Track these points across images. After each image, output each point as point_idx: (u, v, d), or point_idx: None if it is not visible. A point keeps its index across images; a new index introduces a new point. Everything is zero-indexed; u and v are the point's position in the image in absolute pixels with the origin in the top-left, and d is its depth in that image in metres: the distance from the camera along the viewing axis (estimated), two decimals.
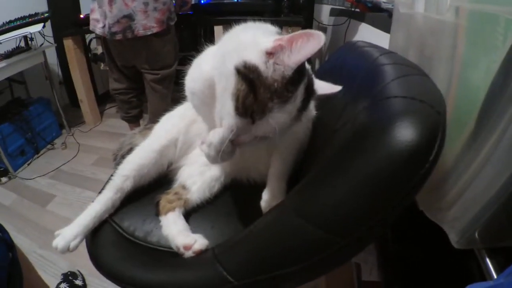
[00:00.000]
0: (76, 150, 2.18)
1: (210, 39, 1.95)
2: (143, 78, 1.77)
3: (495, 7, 0.52)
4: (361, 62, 0.69)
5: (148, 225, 0.73)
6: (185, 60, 2.30)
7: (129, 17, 1.51)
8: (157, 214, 0.73)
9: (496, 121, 0.53)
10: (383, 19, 1.39)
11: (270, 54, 0.51)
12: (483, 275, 0.56)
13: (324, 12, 2.28)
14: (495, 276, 0.51)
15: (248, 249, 0.54)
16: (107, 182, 0.77)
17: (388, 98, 0.48)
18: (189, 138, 0.83)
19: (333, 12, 2.13)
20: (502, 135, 0.52)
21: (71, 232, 0.68)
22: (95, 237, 0.72)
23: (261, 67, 0.51)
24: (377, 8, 1.48)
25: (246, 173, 0.80)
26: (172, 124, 0.84)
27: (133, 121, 1.96)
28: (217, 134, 0.54)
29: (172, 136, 0.82)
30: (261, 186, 0.70)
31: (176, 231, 0.67)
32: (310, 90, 0.56)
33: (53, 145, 2.26)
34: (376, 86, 0.55)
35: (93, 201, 0.74)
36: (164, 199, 0.74)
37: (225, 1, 1.90)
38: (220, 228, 0.72)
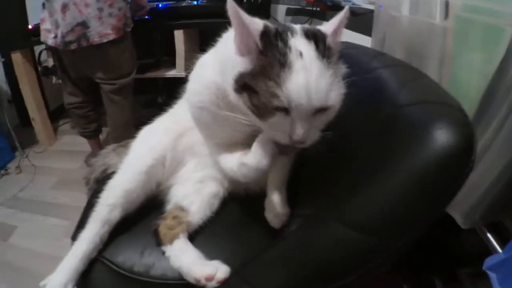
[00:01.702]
0: (33, 174, 1.92)
1: (169, 45, 1.85)
2: (100, 89, 1.61)
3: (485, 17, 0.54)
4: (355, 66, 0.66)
5: (147, 257, 0.63)
6: (143, 68, 2.14)
7: (84, 25, 1.36)
8: (159, 244, 0.63)
9: (492, 115, 0.55)
10: None
11: (241, 53, 0.46)
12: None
13: (280, 12, 2.25)
14: (498, 247, 0.54)
15: (287, 269, 0.48)
16: (84, 213, 0.66)
17: (416, 104, 0.47)
18: (178, 154, 0.74)
19: (289, 12, 2.11)
20: (499, 128, 0.55)
21: (59, 280, 0.58)
22: (88, 281, 0.62)
23: (242, 68, 0.46)
24: (338, 7, 1.47)
25: (244, 185, 0.73)
26: (157, 140, 0.74)
27: (92, 136, 1.79)
28: (262, 146, 0.51)
29: (158, 154, 0.72)
30: (260, 196, 0.65)
31: (190, 261, 0.59)
32: (315, 34, 0.47)
33: (6, 170, 1.97)
34: (388, 91, 0.53)
35: (75, 241, 0.63)
36: (164, 226, 0.65)
37: (184, 4, 1.79)
38: (230, 248, 0.65)
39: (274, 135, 0.49)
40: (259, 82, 0.44)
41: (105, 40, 1.41)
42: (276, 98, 0.43)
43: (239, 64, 0.47)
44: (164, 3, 1.80)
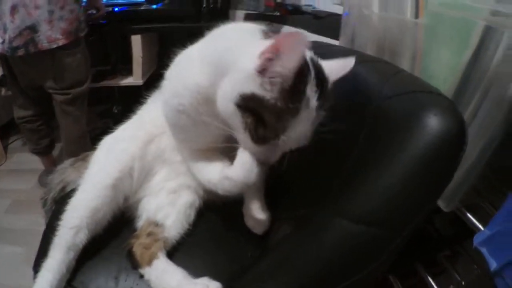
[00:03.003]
0: None
1: (126, 51, 1.73)
2: (53, 100, 1.46)
3: (455, 11, 0.55)
4: None
5: (124, 283, 0.56)
6: (98, 76, 1.98)
7: (32, 28, 1.22)
8: (135, 266, 0.56)
9: (466, 104, 0.56)
10: (306, 20, 1.39)
11: (261, 71, 0.43)
12: None
13: (238, 18, 2.23)
14: (479, 225, 0.55)
15: (290, 274, 0.45)
16: (44, 238, 0.56)
17: (404, 94, 0.47)
18: (147, 163, 0.67)
19: (248, 17, 2.09)
20: (472, 118, 0.55)
21: None
22: None
23: (258, 91, 0.43)
24: (299, 11, 1.48)
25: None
26: (122, 149, 0.65)
27: (45, 152, 1.62)
28: (250, 160, 0.48)
29: (125, 164, 0.64)
30: (236, 203, 0.61)
31: (176, 283, 0.53)
32: (322, 81, 0.47)
33: None
34: (371, 85, 0.53)
35: (38, 272, 0.53)
36: (138, 246, 0.58)
37: (142, 8, 1.69)
38: (215, 262, 0.60)
39: (253, 152, 0.48)
40: (270, 116, 0.44)
41: (54, 46, 1.27)
42: (276, 138, 0.45)
43: (255, 84, 0.43)
44: (121, 6, 1.69)
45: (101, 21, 1.56)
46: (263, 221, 0.59)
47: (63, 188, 0.73)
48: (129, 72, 1.74)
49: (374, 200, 0.41)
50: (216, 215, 0.68)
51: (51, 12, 1.24)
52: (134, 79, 1.74)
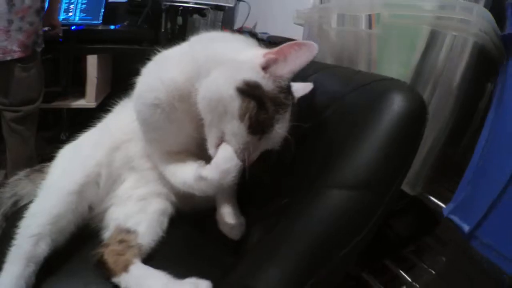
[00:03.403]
0: None
1: (79, 72, 1.65)
2: (1, 118, 1.33)
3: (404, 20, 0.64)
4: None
5: None
6: (49, 97, 1.85)
7: None
8: (109, 275, 0.51)
9: None
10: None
11: (264, 68, 0.49)
12: None
13: None
14: (442, 204, 0.60)
15: (288, 256, 0.44)
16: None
17: (370, 83, 0.53)
18: (114, 170, 0.63)
19: None
20: None
21: None
22: None
23: (261, 82, 0.48)
24: (255, 38, 1.57)
25: (194, 199, 0.63)
26: (88, 155, 0.62)
27: None
28: (228, 160, 0.49)
29: (91, 170, 0.60)
30: (208, 209, 0.60)
31: (161, 285, 0.48)
32: (293, 95, 0.54)
33: None
34: (338, 83, 0.60)
35: None
36: (110, 253, 0.53)
37: (99, 28, 1.65)
38: (194, 268, 0.55)
39: (239, 145, 0.49)
40: (270, 104, 0.48)
41: (8, 58, 1.18)
42: (270, 129, 0.49)
43: (258, 75, 0.48)
44: (78, 25, 1.64)
45: (58, 38, 1.49)
46: (237, 225, 0.58)
47: (16, 202, 0.65)
48: (81, 94, 1.66)
49: (357, 167, 0.45)
50: (189, 222, 0.64)
51: (10, 22, 1.15)
52: (87, 101, 1.65)
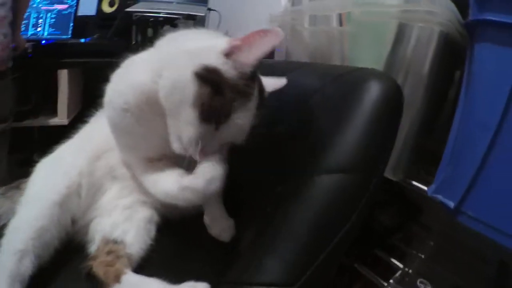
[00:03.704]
0: None
1: (49, 89, 1.59)
2: None
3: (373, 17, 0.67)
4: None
5: None
6: (20, 117, 1.76)
7: None
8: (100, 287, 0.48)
9: None
10: None
11: (227, 55, 0.47)
12: None
13: None
14: (424, 188, 0.63)
15: (288, 247, 0.44)
16: None
17: (348, 73, 0.55)
18: (96, 180, 0.61)
19: None
20: None
21: None
22: None
23: (221, 67, 0.46)
24: None
25: (176, 206, 0.59)
26: (68, 164, 0.59)
27: None
28: (212, 168, 0.48)
29: (72, 180, 0.58)
30: (195, 214, 0.59)
31: None
32: (261, 87, 0.53)
33: None
34: (318, 77, 0.61)
35: None
36: (99, 265, 0.51)
37: (70, 41, 1.60)
38: (188, 273, 0.53)
39: (186, 135, 0.47)
40: (228, 90, 0.46)
41: None
42: (226, 119, 0.46)
43: (219, 61, 0.46)
44: (48, 39, 1.59)
45: (27, 54, 1.43)
46: (226, 227, 0.58)
47: None
48: (52, 111, 1.59)
49: (343, 151, 0.46)
50: (178, 228, 0.63)
51: None
52: (59, 119, 1.58)
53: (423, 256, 0.76)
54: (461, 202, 0.49)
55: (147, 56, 0.55)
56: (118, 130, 0.57)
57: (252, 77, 0.48)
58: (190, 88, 0.45)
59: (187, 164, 0.51)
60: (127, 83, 0.52)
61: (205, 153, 0.47)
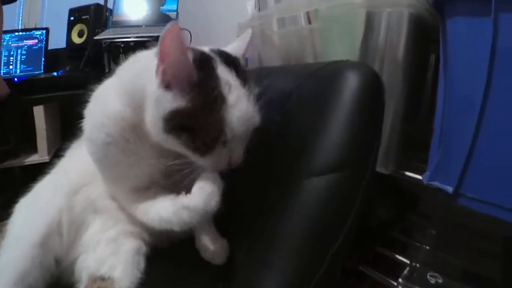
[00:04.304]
0: None
1: (27, 125, 1.53)
2: None
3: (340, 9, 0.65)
4: None
5: None
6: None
7: None
8: None
9: None
10: None
11: (167, 86, 0.41)
12: None
13: None
14: (419, 176, 0.60)
15: (284, 263, 0.40)
16: None
17: (321, 68, 0.53)
18: (76, 216, 0.57)
19: None
20: None
21: None
22: None
23: (174, 105, 0.41)
24: None
25: (165, 234, 0.56)
26: (46, 201, 0.56)
27: None
28: (211, 183, 0.45)
29: (51, 218, 0.54)
30: (185, 242, 0.56)
31: None
32: (232, 60, 0.46)
33: None
34: (294, 77, 0.58)
35: None
36: None
37: (43, 76, 1.55)
38: None
39: (211, 165, 0.45)
40: (199, 120, 0.41)
41: None
42: (221, 135, 0.42)
43: (168, 100, 0.41)
44: (20, 76, 1.54)
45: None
46: (219, 249, 0.53)
47: None
48: (32, 149, 1.53)
49: (330, 149, 0.43)
50: (168, 257, 0.58)
51: None
52: (40, 156, 1.52)
53: (427, 247, 0.72)
54: (459, 185, 0.46)
55: (112, 84, 0.52)
56: (103, 164, 0.53)
57: (206, 78, 0.41)
58: (174, 142, 0.43)
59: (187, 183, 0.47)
60: (104, 115, 0.49)
61: (235, 163, 0.45)
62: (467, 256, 0.70)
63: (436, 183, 0.50)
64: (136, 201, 0.53)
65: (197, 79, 0.40)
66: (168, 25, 0.38)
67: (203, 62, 0.42)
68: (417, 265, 0.71)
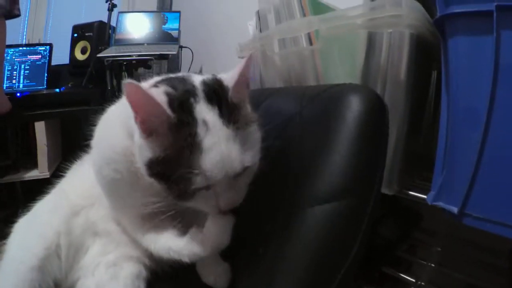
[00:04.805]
0: None
1: (28, 141, 1.52)
2: None
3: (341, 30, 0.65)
4: None
5: None
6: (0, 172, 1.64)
7: None
8: None
9: None
10: None
11: (148, 134, 0.40)
12: None
13: None
14: (423, 196, 0.58)
15: (291, 283, 0.39)
16: None
17: (323, 92, 0.51)
18: (75, 238, 0.55)
19: None
20: None
21: None
22: None
23: (153, 151, 0.39)
24: None
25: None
26: (45, 223, 0.54)
27: None
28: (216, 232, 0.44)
29: (50, 241, 0.52)
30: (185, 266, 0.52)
31: None
32: (219, 95, 0.42)
33: None
34: (295, 99, 0.56)
35: None
36: None
37: (45, 92, 1.55)
38: None
39: (202, 209, 0.44)
40: (173, 168, 0.38)
41: None
42: (194, 183, 0.38)
43: (146, 149, 0.40)
44: (23, 92, 1.54)
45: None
46: (222, 273, 0.52)
47: None
48: (33, 165, 1.52)
49: (332, 177, 0.41)
50: (169, 282, 0.56)
51: None
52: (40, 172, 1.51)
53: (432, 265, 0.70)
54: (464, 205, 0.45)
55: (117, 113, 0.50)
56: (112, 196, 0.53)
57: (182, 121, 0.38)
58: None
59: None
60: (113, 150, 0.47)
61: (231, 204, 0.43)
62: (473, 272, 0.69)
63: (440, 204, 0.49)
64: (143, 227, 0.52)
65: (177, 122, 0.38)
66: (124, 85, 0.36)
67: (181, 104, 0.39)
68: (423, 283, 0.69)
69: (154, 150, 0.39)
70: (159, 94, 0.39)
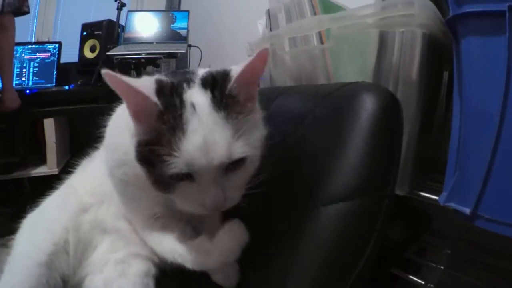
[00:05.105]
0: None
1: (37, 137, 1.54)
2: None
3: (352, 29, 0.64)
4: None
5: None
6: (7, 169, 1.70)
7: None
8: None
9: None
10: None
11: (136, 118, 0.40)
12: None
13: None
14: (435, 197, 0.58)
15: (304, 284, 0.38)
16: None
17: (336, 90, 0.51)
18: (83, 235, 0.55)
19: None
20: None
21: None
22: None
23: (143, 134, 0.40)
24: None
25: None
26: (53, 219, 0.54)
27: None
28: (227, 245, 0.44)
29: (58, 237, 0.52)
30: None
31: None
32: (213, 82, 0.40)
33: None
34: (308, 98, 0.56)
35: None
36: None
37: (54, 90, 1.57)
38: None
39: (187, 207, 0.42)
40: (155, 151, 0.37)
41: None
42: (171, 165, 0.36)
43: (136, 133, 0.40)
44: (32, 89, 1.55)
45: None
46: (231, 272, 0.51)
47: None
48: (41, 161, 1.54)
49: (348, 175, 0.41)
50: (178, 280, 0.55)
51: None
52: (48, 168, 1.54)
53: (442, 267, 0.70)
54: (476, 206, 0.44)
55: (121, 111, 0.50)
56: (123, 196, 0.53)
57: (166, 103, 0.38)
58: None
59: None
60: (123, 152, 0.47)
61: (217, 203, 0.39)
62: (482, 275, 0.68)
63: (452, 205, 0.48)
64: (151, 227, 0.52)
65: (162, 106, 0.37)
66: (103, 75, 0.36)
67: (172, 89, 0.39)
68: (432, 286, 0.68)
69: (141, 133, 0.39)
70: (146, 81, 0.39)
